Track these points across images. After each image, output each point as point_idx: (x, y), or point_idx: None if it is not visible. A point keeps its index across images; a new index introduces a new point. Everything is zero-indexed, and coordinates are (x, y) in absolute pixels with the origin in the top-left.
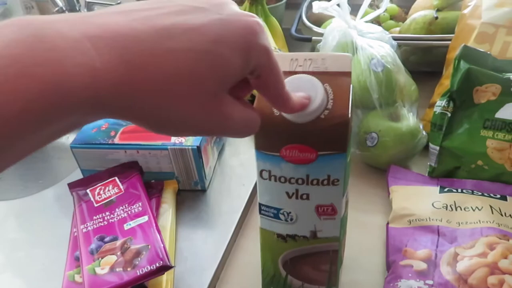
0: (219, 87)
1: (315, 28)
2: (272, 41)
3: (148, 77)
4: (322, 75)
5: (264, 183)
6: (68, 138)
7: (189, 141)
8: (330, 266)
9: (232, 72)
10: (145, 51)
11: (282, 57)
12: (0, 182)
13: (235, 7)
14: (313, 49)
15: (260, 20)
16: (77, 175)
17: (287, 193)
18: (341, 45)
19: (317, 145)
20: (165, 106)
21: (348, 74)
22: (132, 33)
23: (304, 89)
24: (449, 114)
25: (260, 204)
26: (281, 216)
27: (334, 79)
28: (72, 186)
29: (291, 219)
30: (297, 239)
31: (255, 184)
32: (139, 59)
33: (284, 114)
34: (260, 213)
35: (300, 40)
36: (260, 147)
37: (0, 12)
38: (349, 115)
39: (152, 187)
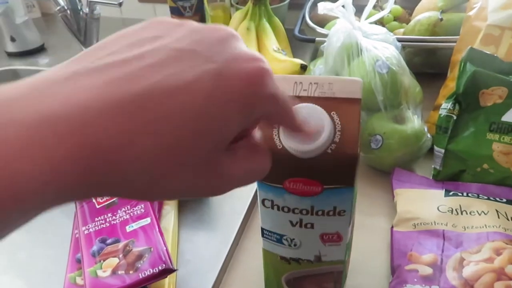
0: (212, 151)
1: (319, 29)
2: (275, 42)
3: (123, 159)
4: (329, 102)
5: (266, 211)
6: None
7: None
8: (334, 284)
9: (228, 132)
10: (118, 129)
11: (285, 80)
12: None
13: (237, 45)
14: (316, 50)
15: (265, 63)
16: None
17: (291, 222)
18: (346, 47)
19: (323, 179)
20: (148, 185)
21: (357, 101)
22: (105, 106)
23: (309, 121)
24: (455, 117)
25: (262, 228)
26: (285, 242)
27: (342, 106)
28: None
29: (295, 245)
30: (301, 262)
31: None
32: (112, 139)
33: (288, 149)
34: (262, 236)
35: (304, 41)
36: (262, 178)
37: (1, 12)
38: (358, 151)
39: None
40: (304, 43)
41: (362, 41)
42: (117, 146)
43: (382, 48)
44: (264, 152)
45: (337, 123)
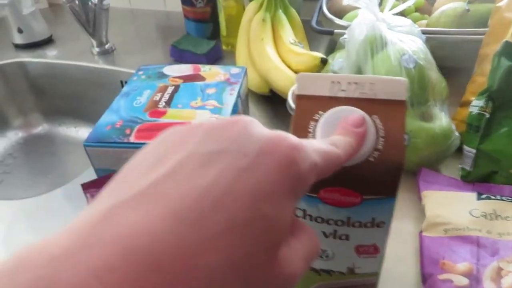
0: (272, 249)
1: (337, 21)
2: (291, 34)
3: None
4: (370, 104)
5: None
6: (78, 132)
7: None
8: None
9: (284, 223)
10: (171, 263)
11: (321, 79)
12: (9, 176)
13: (260, 130)
14: (334, 43)
15: (291, 137)
16: (90, 173)
17: (324, 233)
18: (369, 39)
19: (363, 190)
20: None
21: (401, 103)
22: (154, 249)
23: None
24: (488, 115)
25: None
26: None
27: (385, 109)
28: (86, 187)
29: (327, 256)
30: (332, 274)
31: None
32: (166, 277)
33: None
34: None
35: (322, 33)
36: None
37: (7, 2)
38: (404, 158)
39: None
40: (318, 35)
41: (387, 33)
42: (181, 269)
43: (408, 41)
44: (309, 229)
45: (380, 128)
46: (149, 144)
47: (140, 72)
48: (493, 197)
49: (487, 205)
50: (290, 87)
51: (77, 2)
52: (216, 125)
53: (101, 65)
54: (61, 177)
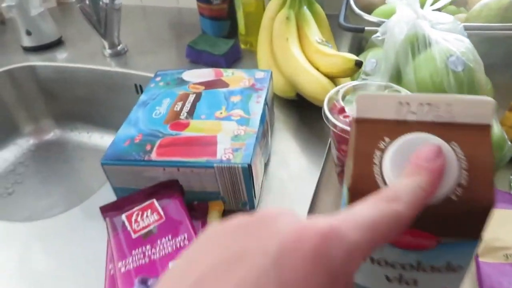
0: None
1: (367, 16)
2: (318, 33)
3: None
4: (447, 129)
5: None
6: (91, 137)
7: (238, 158)
8: None
9: None
10: None
11: (386, 99)
12: (21, 186)
13: (286, 222)
14: (358, 40)
15: (317, 226)
16: (107, 189)
17: (387, 277)
18: (410, 39)
19: (440, 231)
20: None
21: (486, 128)
22: None
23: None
24: None
25: None
26: None
27: (466, 135)
28: (105, 210)
29: None
30: None
31: (312, 200)
32: None
33: None
34: None
35: (351, 30)
36: None
37: (15, 4)
38: (494, 196)
39: (195, 210)
40: (341, 31)
41: (430, 32)
42: None
43: (453, 41)
44: None
45: (462, 159)
46: (185, 250)
47: (158, 78)
48: None
49: None
50: (320, 92)
51: (87, 2)
52: (243, 224)
53: (113, 67)
54: (74, 185)
